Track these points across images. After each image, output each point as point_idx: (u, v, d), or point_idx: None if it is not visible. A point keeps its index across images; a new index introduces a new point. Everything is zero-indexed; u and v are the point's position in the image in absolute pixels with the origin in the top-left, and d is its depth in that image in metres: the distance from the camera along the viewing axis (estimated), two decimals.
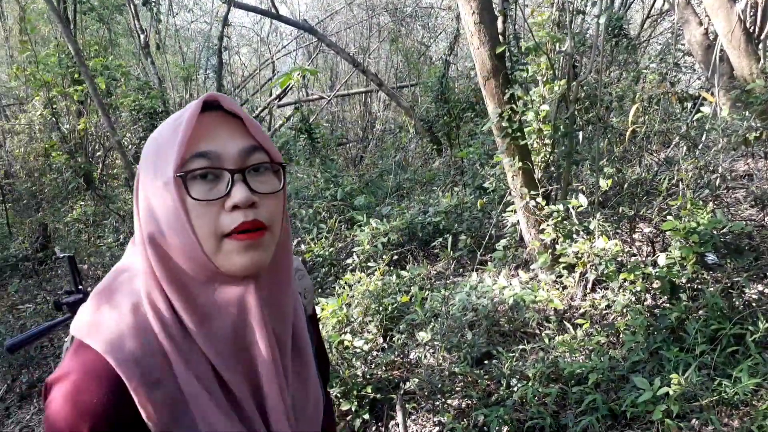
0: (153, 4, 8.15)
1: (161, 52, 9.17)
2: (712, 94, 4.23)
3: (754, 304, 3.10)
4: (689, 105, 4.40)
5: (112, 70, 8.35)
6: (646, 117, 4.08)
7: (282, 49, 15.99)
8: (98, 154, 8.80)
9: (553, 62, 3.45)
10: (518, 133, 3.37)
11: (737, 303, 3.18)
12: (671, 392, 2.59)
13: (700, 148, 3.98)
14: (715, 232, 3.24)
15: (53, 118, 7.04)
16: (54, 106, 7.29)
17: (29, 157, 9.11)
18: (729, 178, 4.16)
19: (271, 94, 13.07)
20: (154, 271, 0.82)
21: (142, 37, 8.90)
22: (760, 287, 3.41)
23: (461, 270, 4.63)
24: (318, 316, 1.21)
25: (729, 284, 3.26)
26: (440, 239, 4.63)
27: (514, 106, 3.35)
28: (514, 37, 3.46)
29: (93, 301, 0.86)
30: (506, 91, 3.33)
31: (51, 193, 8.66)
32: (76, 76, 8.35)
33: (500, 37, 3.32)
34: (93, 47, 9.18)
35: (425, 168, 6.98)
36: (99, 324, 0.82)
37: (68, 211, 7.73)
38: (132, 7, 8.95)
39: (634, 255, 3.54)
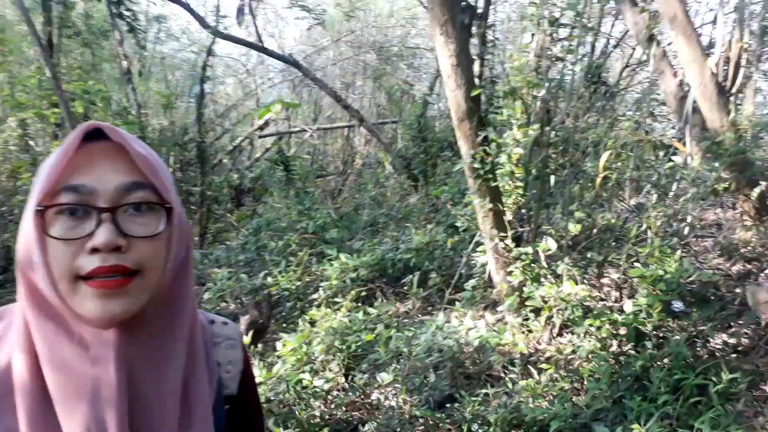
0: (138, 31, 8.16)
1: (143, 79, 9.15)
2: (684, 144, 4.30)
3: (717, 354, 3.09)
4: (662, 153, 4.46)
5: (92, 94, 8.30)
6: (621, 163, 4.13)
7: (267, 81, 16.09)
8: None
9: (528, 107, 3.47)
10: (490, 175, 3.37)
11: (701, 352, 3.17)
12: None
13: (670, 196, 4.02)
14: (682, 281, 3.24)
15: (25, 136, 6.94)
16: (27, 128, 7.19)
17: (1, 177, 8.98)
18: (698, 227, 4.19)
19: (252, 125, 13.10)
20: (22, 305, 0.77)
21: (124, 63, 8.89)
22: (724, 337, 3.40)
23: (430, 309, 4.58)
24: (252, 396, 1.03)
25: (694, 333, 3.26)
26: (410, 276, 4.59)
27: (487, 148, 3.36)
28: (490, 81, 3.50)
29: None
30: (479, 133, 3.34)
31: (19, 215, 8.50)
32: (53, 98, 8.30)
33: (476, 80, 3.35)
34: (76, 70, 9.15)
35: (401, 204, 6.98)
36: None
37: None
38: (118, 33, 8.96)
39: (602, 300, 3.52)
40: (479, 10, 3.45)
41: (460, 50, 3.18)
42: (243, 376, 0.99)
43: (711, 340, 3.21)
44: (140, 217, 0.76)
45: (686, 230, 3.87)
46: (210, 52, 8.24)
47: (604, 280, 3.64)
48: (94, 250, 0.72)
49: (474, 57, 3.26)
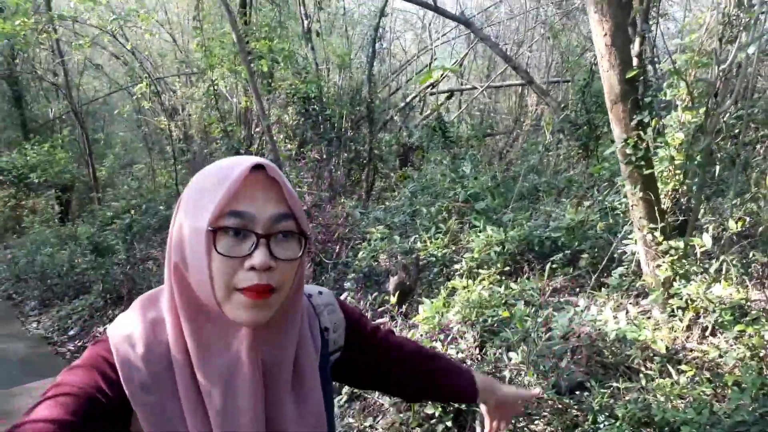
0: None
1: (321, 39, 9.65)
2: None
3: None
4: None
5: (276, 53, 8.96)
6: None
7: (442, 37, 16.07)
8: (257, 129, 9.51)
9: (692, 89, 3.21)
10: (643, 162, 3.21)
11: None
12: None
13: None
14: None
15: (214, 95, 7.73)
16: (216, 84, 7.99)
17: (203, 123, 10.11)
18: None
19: (419, 83, 13.25)
20: (174, 296, 0.93)
21: (305, 22, 9.45)
22: None
23: (578, 290, 4.50)
24: (368, 334, 1.26)
25: None
26: (560, 255, 4.53)
27: (641, 133, 3.19)
28: (650, 61, 3.27)
29: (135, 303, 0.99)
30: (634, 117, 3.18)
31: (218, 157, 9.54)
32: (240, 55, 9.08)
33: (634, 59, 3.17)
34: (264, 27, 9.86)
35: (562, 175, 6.77)
36: (124, 324, 0.95)
37: None
38: None
39: (763, 305, 3.24)
40: None
41: (615, 29, 3.01)
42: (349, 329, 1.21)
43: None
44: (285, 243, 0.92)
45: None
46: (383, 13, 8.46)
47: None
48: (252, 268, 0.87)
49: (631, 36, 3.08)
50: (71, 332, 6.79)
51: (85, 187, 14.41)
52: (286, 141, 9.22)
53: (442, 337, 3.51)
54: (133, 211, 7.36)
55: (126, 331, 0.94)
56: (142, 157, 16.59)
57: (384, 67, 14.21)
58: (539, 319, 3.29)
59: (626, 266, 3.79)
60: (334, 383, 1.24)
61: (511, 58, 9.31)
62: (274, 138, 6.00)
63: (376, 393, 3.71)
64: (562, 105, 8.06)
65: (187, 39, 13.52)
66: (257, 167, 0.92)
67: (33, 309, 8.01)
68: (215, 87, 7.49)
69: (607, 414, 2.99)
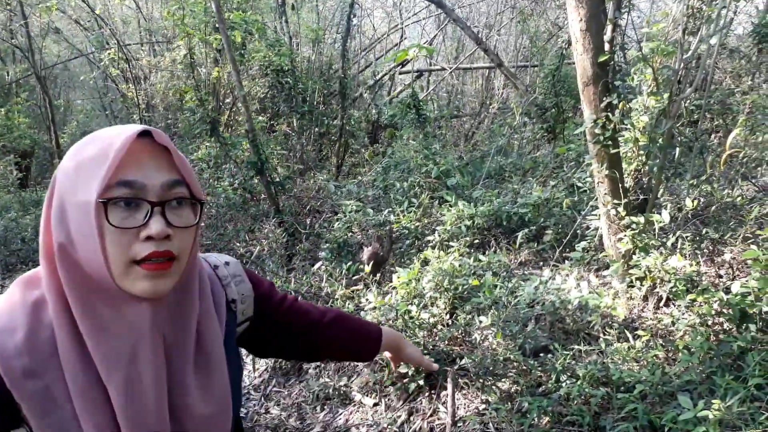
0: None
1: (295, 12, 9.65)
2: None
3: None
4: None
5: (249, 24, 8.94)
6: (756, 138, 3.96)
7: (413, 16, 16.14)
8: (227, 101, 9.49)
9: (657, 75, 3.44)
10: (609, 142, 3.43)
11: None
12: (711, 416, 2.65)
13: None
14: None
15: (191, 64, 7.71)
16: (193, 53, 7.95)
17: (168, 93, 10.01)
18: None
19: (393, 60, 13.36)
20: (59, 277, 0.88)
21: None
22: None
23: (541, 264, 4.75)
24: (276, 302, 1.26)
25: None
26: (525, 231, 4.77)
27: (609, 114, 3.40)
28: (620, 48, 3.48)
29: (11, 289, 0.95)
30: (604, 99, 3.39)
31: (183, 130, 9.50)
32: (216, 25, 9.03)
33: (606, 45, 3.37)
34: None
35: (529, 156, 7.02)
36: (2, 311, 0.91)
37: (195, 150, 8.49)
38: None
39: (712, 278, 3.52)
40: None
41: (590, 16, 3.20)
42: (257, 299, 1.21)
43: None
44: (180, 210, 0.91)
45: None
46: None
47: (718, 259, 3.61)
48: (148, 238, 0.86)
49: (604, 22, 3.28)
50: None
51: (46, 154, 14.09)
52: (256, 113, 9.22)
53: (416, 301, 3.69)
54: None
55: (4, 318, 0.90)
56: (101, 125, 16.26)
57: (354, 43, 14.25)
58: (508, 285, 3.49)
59: (589, 241, 4.03)
60: None
61: (482, 40, 9.50)
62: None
63: None
64: (529, 89, 8.30)
65: (152, 6, 13.27)
66: (143, 134, 0.89)
67: None
68: (192, 56, 7.45)
69: (569, 374, 3.23)
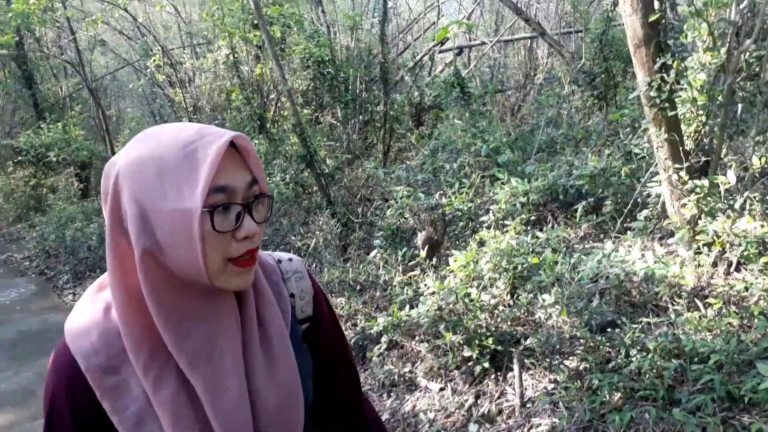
0: None
1: (330, 1, 9.63)
2: None
3: None
4: None
5: (287, 18, 8.97)
6: None
7: None
8: (272, 96, 9.58)
9: (713, 30, 3.27)
10: (666, 104, 3.28)
11: None
12: None
13: None
14: None
15: (234, 64, 7.81)
16: (235, 52, 8.05)
17: (214, 94, 10.19)
18: None
19: (433, 39, 13.19)
20: (130, 279, 0.90)
21: None
22: None
23: (602, 236, 4.62)
24: (327, 312, 1.23)
25: None
26: (583, 203, 4.64)
27: (664, 75, 3.26)
28: (671, 5, 3.32)
29: (85, 294, 1.00)
30: (657, 60, 3.24)
31: (230, 128, 9.67)
32: (255, 22, 9.10)
33: (656, 3, 3.22)
34: None
35: (580, 126, 6.82)
36: (75, 317, 0.96)
37: None
38: None
39: None
40: None
41: None
42: (315, 299, 1.20)
43: None
44: (258, 206, 0.93)
45: None
46: None
47: None
48: (244, 238, 0.89)
49: None
50: None
51: (103, 163, 14.60)
52: (300, 106, 9.29)
53: (476, 284, 3.66)
54: None
55: (78, 322, 0.95)
56: None
57: (391, 26, 14.13)
58: (570, 261, 3.41)
59: (651, 209, 3.89)
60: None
61: (522, 10, 9.25)
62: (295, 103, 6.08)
63: (414, 341, 3.90)
64: (575, 56, 8.05)
65: (190, 10, 13.49)
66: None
67: (67, 282, 8.26)
68: (235, 55, 7.54)
69: (638, 348, 3.14)
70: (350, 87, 8.63)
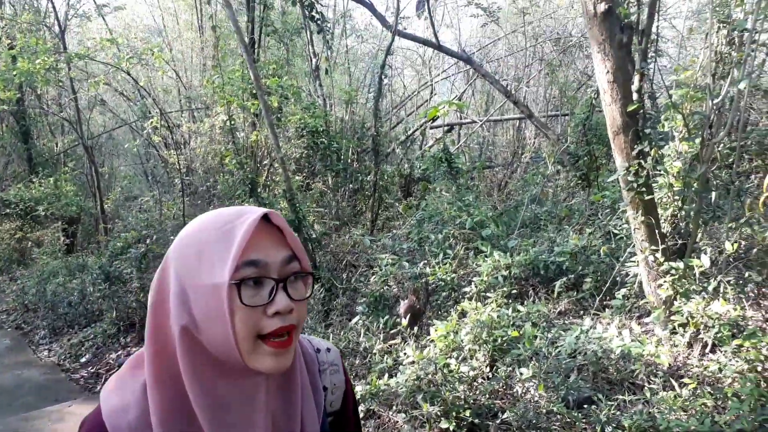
0: (326, 32, 8.97)
1: (329, 75, 9.99)
2: None
3: None
4: None
5: (285, 89, 9.30)
6: None
7: (442, 73, 16.49)
8: (265, 162, 9.78)
9: (688, 122, 3.47)
10: (643, 188, 3.43)
11: None
12: None
13: None
14: None
15: (230, 130, 8.02)
16: (232, 119, 8.27)
17: (208, 157, 10.37)
18: None
19: (425, 116, 13.62)
20: (166, 358, 0.91)
21: (313, 60, 9.81)
22: None
23: (582, 313, 4.68)
24: (353, 409, 1.24)
25: None
26: (563, 279, 4.73)
27: (642, 161, 3.42)
28: (649, 96, 3.54)
29: (123, 368, 0.99)
30: (635, 146, 3.42)
31: (222, 192, 9.80)
32: (254, 91, 9.41)
33: (635, 94, 3.43)
34: (272, 65, 10.21)
35: (566, 203, 7.01)
36: (114, 390, 0.95)
37: None
38: (308, 33, 9.90)
39: (758, 322, 3.43)
40: (642, 27, 3.49)
41: (616, 67, 3.27)
42: (344, 393, 1.19)
43: None
44: (296, 284, 0.92)
45: None
46: (389, 52, 8.81)
47: (764, 303, 3.52)
48: (276, 314, 0.88)
49: (631, 72, 3.34)
50: (83, 359, 6.90)
51: (91, 220, 14.60)
52: (293, 173, 9.48)
53: (455, 354, 3.68)
54: (148, 240, 7.54)
55: (116, 398, 0.94)
56: (143, 190, 16.82)
57: (385, 102, 14.60)
58: (548, 335, 3.46)
59: (629, 288, 3.98)
60: None
61: (511, 93, 9.65)
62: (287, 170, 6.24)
63: (391, 410, 3.87)
64: (561, 138, 8.36)
65: (191, 76, 13.90)
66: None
67: (43, 338, 8.11)
68: (232, 122, 7.76)
69: (614, 425, 3.15)
70: (342, 157, 8.85)
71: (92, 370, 6.52)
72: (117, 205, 15.54)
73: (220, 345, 0.88)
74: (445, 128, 13.99)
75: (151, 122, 9.47)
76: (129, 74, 8.68)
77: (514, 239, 5.40)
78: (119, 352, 6.76)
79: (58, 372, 6.65)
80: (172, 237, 9.26)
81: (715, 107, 3.35)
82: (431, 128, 13.65)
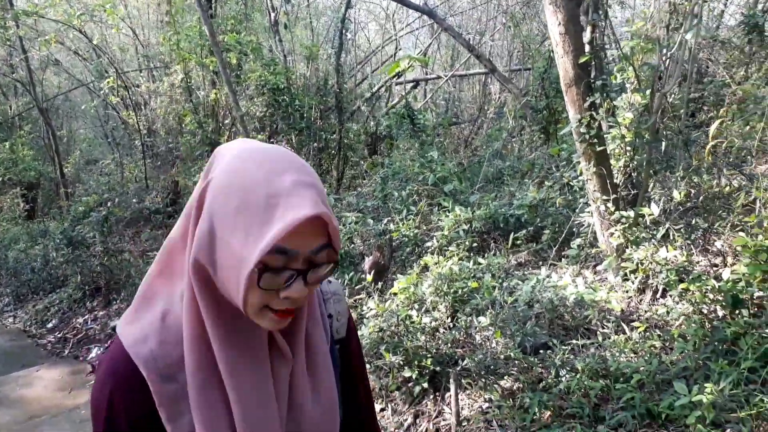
0: None
1: (288, 31, 9.80)
2: None
3: None
4: None
5: (244, 45, 9.09)
6: (743, 128, 4.03)
7: (406, 27, 16.28)
8: (227, 121, 9.64)
9: (639, 73, 3.53)
10: (595, 140, 3.52)
11: None
12: (705, 400, 2.72)
13: None
14: None
15: (188, 88, 7.85)
16: (190, 78, 8.09)
17: (168, 117, 10.17)
18: None
19: (387, 73, 13.50)
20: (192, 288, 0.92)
21: (272, 15, 9.60)
22: None
23: (541, 263, 4.82)
24: (355, 337, 1.25)
25: None
26: (523, 231, 4.85)
27: (593, 113, 3.49)
28: (600, 48, 3.58)
29: (135, 303, 0.99)
30: (587, 98, 3.48)
31: (184, 153, 9.65)
32: (212, 48, 9.19)
33: (586, 46, 3.47)
34: (230, 20, 9.95)
35: (527, 157, 7.11)
36: (131, 324, 0.96)
37: (197, 171, 8.61)
38: None
39: (705, 267, 3.59)
40: None
41: (567, 19, 3.31)
42: (348, 322, 1.22)
43: None
44: (318, 269, 0.90)
45: None
46: (349, 5, 8.66)
47: (713, 248, 3.68)
48: (287, 297, 0.87)
49: (583, 24, 3.38)
50: (50, 324, 6.88)
51: (51, 184, 14.30)
52: (255, 132, 9.36)
53: (417, 306, 3.78)
54: (110, 204, 7.44)
55: (135, 329, 0.95)
56: (104, 153, 16.46)
57: (349, 57, 14.40)
58: (506, 285, 3.57)
59: (583, 237, 4.11)
60: None
61: (474, 47, 9.60)
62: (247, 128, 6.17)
63: None
64: (524, 92, 8.40)
65: (149, 33, 13.48)
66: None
67: (8, 305, 8.04)
68: (189, 80, 7.59)
69: (568, 368, 3.30)
70: (305, 115, 8.76)
71: (59, 335, 6.51)
72: (77, 168, 15.21)
73: (229, 294, 0.89)
74: (411, 84, 13.91)
75: (107, 82, 9.20)
76: (81, 32, 8.38)
77: (476, 194, 5.49)
78: (86, 317, 6.75)
79: (25, 338, 6.62)
80: (134, 200, 9.17)
81: (664, 58, 3.41)
82: (397, 84, 13.55)
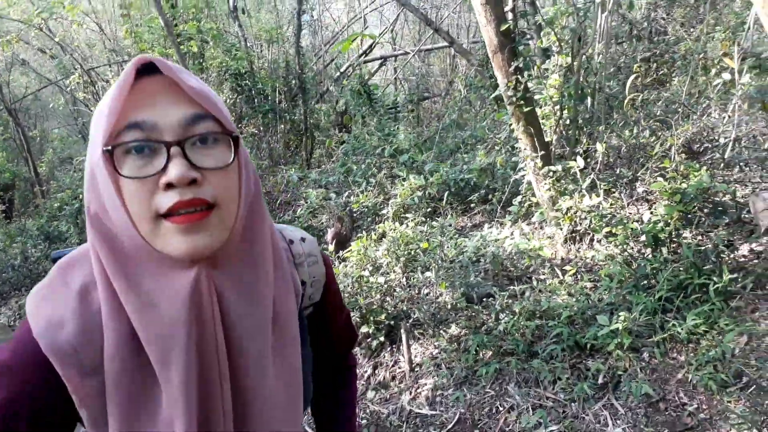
0: None
1: (246, 15, 9.92)
2: (732, 58, 4.36)
3: (723, 257, 3.41)
4: (713, 71, 4.55)
5: (205, 33, 9.23)
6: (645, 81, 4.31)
7: (371, 3, 16.36)
8: None
9: (559, 36, 3.80)
10: (522, 102, 3.79)
11: (713, 258, 3.49)
12: (620, 327, 3.04)
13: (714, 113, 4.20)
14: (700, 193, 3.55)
15: None
16: None
17: None
18: (744, 142, 4.33)
19: (340, 52, 13.62)
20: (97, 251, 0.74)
21: (231, 1, 9.73)
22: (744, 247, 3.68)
23: (492, 223, 5.12)
24: (334, 297, 1.10)
25: (708, 242, 3.59)
26: (476, 195, 5.14)
27: (519, 77, 3.76)
28: (521, 15, 3.84)
29: (51, 274, 0.80)
30: (512, 63, 3.75)
31: None
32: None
33: (509, 14, 3.73)
34: (190, 9, 10.05)
35: (481, 125, 7.38)
36: (45, 303, 0.77)
37: None
38: None
39: (632, 213, 3.90)
40: None
41: None
42: (325, 285, 1.04)
43: (722, 247, 3.50)
44: (209, 149, 0.73)
45: (729, 145, 4.07)
46: None
47: (636, 194, 3.99)
48: (169, 186, 0.70)
49: None
50: None
51: (26, 185, 14.37)
52: None
53: (369, 267, 4.06)
54: (81, 197, 7.63)
55: (48, 310, 0.76)
56: (79, 150, 16.50)
57: (317, 39, 14.53)
58: (450, 242, 3.85)
59: (524, 194, 4.40)
60: None
61: (432, 21, 9.80)
62: None
63: None
64: (477, 63, 8.63)
65: (115, 27, 13.49)
66: (151, 70, 0.73)
67: None
68: None
69: (507, 312, 3.61)
70: (269, 97, 8.95)
71: None
72: (52, 167, 15.27)
73: (121, 229, 0.72)
74: (379, 62, 14.07)
75: (73, 79, 9.32)
76: (42, 30, 8.48)
77: (430, 162, 5.76)
78: None
79: (9, 332, 6.85)
80: None
81: (581, 20, 3.67)
82: (365, 62, 13.68)
